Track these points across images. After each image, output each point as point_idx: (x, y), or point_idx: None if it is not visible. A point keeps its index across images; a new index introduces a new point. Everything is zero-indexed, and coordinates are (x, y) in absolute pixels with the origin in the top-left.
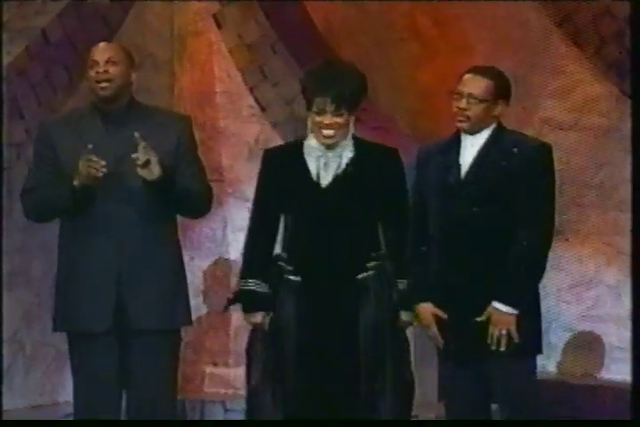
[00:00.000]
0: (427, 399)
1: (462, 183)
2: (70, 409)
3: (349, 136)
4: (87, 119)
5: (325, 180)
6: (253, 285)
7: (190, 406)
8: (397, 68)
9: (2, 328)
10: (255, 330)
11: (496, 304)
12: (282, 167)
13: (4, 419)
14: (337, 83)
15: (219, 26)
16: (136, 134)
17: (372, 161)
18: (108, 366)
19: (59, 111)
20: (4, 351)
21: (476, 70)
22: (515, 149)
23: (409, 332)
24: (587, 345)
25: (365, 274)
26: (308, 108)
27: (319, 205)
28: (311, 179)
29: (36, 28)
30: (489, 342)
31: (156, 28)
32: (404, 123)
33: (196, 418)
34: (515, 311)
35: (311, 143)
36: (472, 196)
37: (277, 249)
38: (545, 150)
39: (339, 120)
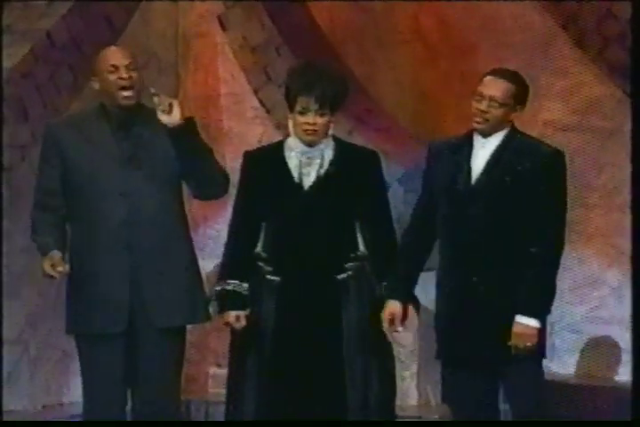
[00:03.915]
0: (429, 400)
1: (473, 187)
2: (75, 410)
3: (330, 137)
4: (94, 121)
5: (307, 181)
6: (232, 285)
7: (195, 407)
8: (401, 69)
9: (1, 329)
10: (235, 330)
11: (520, 318)
12: (263, 169)
13: (11, 420)
14: (321, 83)
15: (223, 28)
16: (152, 90)
17: (352, 162)
18: (117, 365)
19: (64, 113)
20: (9, 352)
21: (499, 73)
22: (528, 156)
23: (411, 333)
24: (590, 346)
25: (345, 274)
26: (291, 109)
27: (301, 206)
28: (293, 180)
29: (40, 29)
30: (514, 353)
31: (161, 30)
32: (407, 124)
33: (201, 419)
34: (538, 325)
35: (292, 143)
36: (482, 200)
37: (258, 249)
38: (559, 157)
39: (321, 120)
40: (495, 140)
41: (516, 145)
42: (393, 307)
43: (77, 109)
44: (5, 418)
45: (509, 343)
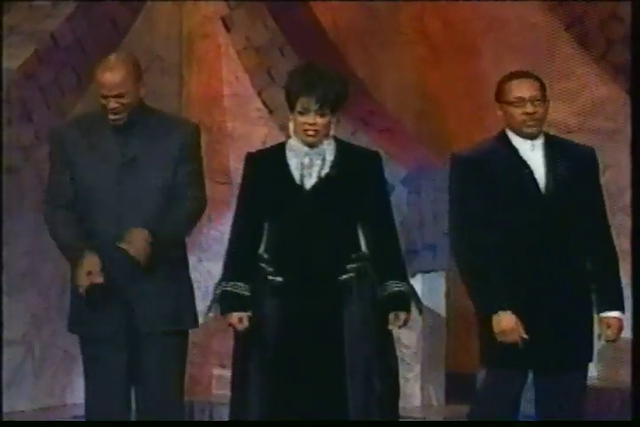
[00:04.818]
0: (432, 402)
1: (542, 191)
2: (78, 411)
3: (331, 138)
4: (96, 124)
5: (308, 182)
6: (234, 287)
7: (199, 408)
8: (405, 70)
9: (2, 330)
10: (238, 332)
11: (610, 313)
12: (264, 171)
13: (15, 420)
14: (322, 83)
15: (227, 29)
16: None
17: (353, 163)
18: (118, 367)
19: (68, 114)
20: (13, 353)
21: (519, 75)
22: (573, 156)
23: (415, 334)
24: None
25: (347, 275)
26: (292, 109)
27: (302, 207)
28: (294, 181)
29: (45, 31)
30: (603, 342)
31: (165, 31)
32: (410, 125)
33: (205, 420)
34: (623, 315)
35: (293, 144)
36: (555, 203)
37: (260, 250)
38: (596, 155)
39: (322, 120)
40: (540, 141)
41: (557, 145)
42: (509, 318)
43: (81, 111)
44: (8, 419)
45: (603, 340)
